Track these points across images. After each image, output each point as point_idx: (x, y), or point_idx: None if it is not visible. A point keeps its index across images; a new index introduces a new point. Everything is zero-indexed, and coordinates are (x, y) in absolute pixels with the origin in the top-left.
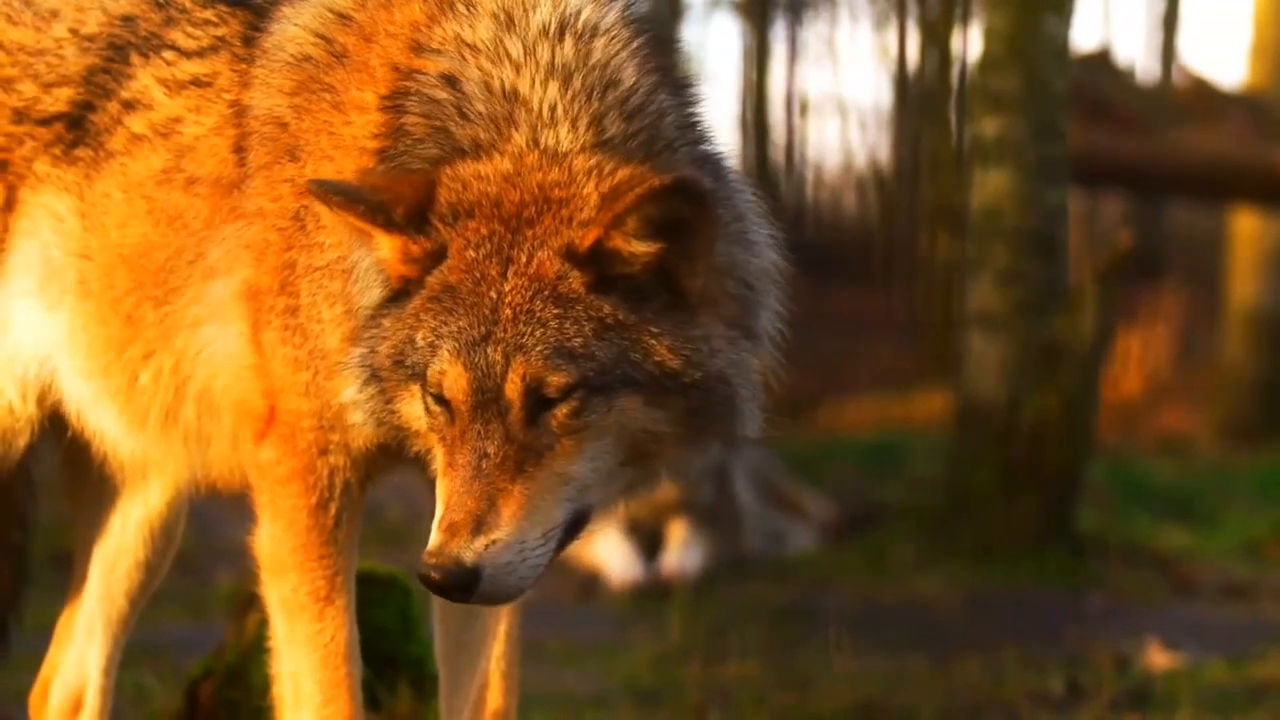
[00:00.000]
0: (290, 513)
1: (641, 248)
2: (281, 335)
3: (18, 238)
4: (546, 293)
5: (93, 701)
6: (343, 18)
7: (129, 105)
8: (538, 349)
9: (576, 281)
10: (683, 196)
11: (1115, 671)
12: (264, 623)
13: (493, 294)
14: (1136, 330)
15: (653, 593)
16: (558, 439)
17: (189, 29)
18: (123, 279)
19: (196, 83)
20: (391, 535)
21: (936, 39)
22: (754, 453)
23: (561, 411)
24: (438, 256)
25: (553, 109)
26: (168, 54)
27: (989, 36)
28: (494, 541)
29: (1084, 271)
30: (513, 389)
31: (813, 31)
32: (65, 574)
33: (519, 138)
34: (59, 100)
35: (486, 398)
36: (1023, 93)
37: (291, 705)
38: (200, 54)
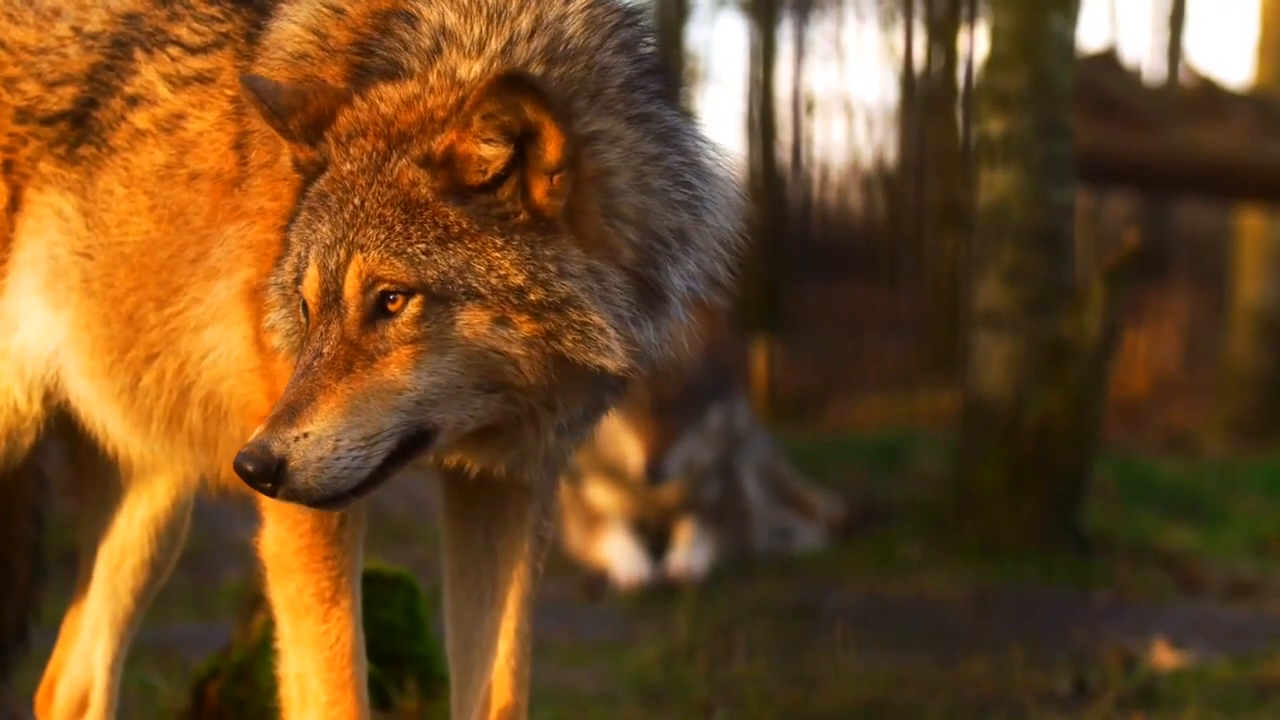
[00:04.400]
0: (294, 513)
1: (490, 151)
2: None
3: (25, 236)
4: (399, 199)
5: (98, 700)
6: (337, 11)
7: (133, 101)
8: (376, 249)
9: (426, 188)
10: (521, 90)
11: (1122, 670)
12: (271, 622)
13: (355, 201)
14: (1143, 329)
15: (660, 591)
16: (395, 347)
17: (193, 24)
18: (123, 278)
19: (200, 78)
20: (397, 534)
21: (943, 38)
22: (762, 451)
23: (401, 320)
24: (320, 167)
25: (474, 43)
26: (172, 49)
27: (995, 35)
28: (305, 434)
29: (1090, 270)
30: (350, 288)
31: (819, 30)
32: (75, 572)
33: (439, 67)
34: (63, 99)
35: (330, 299)
36: (1029, 91)
37: (298, 706)
38: (204, 50)
